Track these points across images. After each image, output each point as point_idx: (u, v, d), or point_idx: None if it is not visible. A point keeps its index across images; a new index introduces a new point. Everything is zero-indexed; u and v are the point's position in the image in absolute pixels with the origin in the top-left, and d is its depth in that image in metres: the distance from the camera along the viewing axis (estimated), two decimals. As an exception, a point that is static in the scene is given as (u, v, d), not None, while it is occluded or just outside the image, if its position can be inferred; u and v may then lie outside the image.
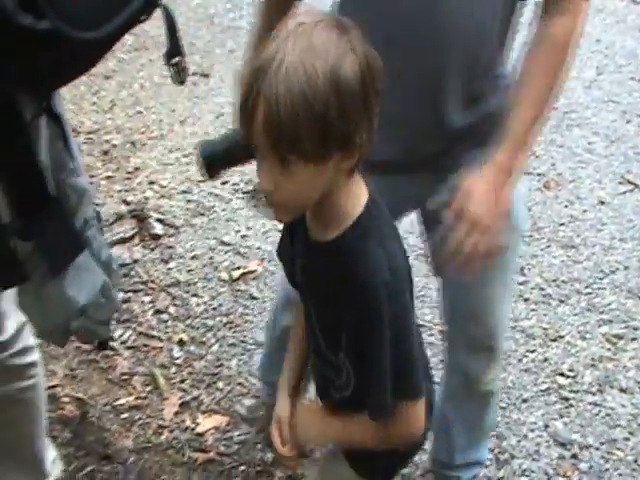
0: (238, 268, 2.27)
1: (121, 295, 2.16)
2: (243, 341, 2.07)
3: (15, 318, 1.24)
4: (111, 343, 2.07)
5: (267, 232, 2.40)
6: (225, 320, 2.13)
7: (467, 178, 1.14)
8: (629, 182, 2.74)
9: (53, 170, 0.99)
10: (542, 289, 2.22)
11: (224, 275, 2.26)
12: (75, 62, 0.90)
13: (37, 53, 0.81)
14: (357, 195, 0.95)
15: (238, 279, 2.24)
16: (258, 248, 2.34)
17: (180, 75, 0.98)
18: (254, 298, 2.19)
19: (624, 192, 2.70)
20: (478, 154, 1.17)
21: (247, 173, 2.62)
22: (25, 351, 1.29)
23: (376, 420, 1.01)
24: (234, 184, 2.55)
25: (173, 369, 2.00)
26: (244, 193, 2.52)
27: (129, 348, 2.05)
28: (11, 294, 1.24)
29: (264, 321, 2.12)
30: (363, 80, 0.84)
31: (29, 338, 1.30)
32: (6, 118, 0.88)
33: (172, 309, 2.16)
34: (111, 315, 1.14)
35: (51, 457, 1.42)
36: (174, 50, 0.97)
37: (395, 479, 1.25)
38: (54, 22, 0.78)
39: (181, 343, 2.07)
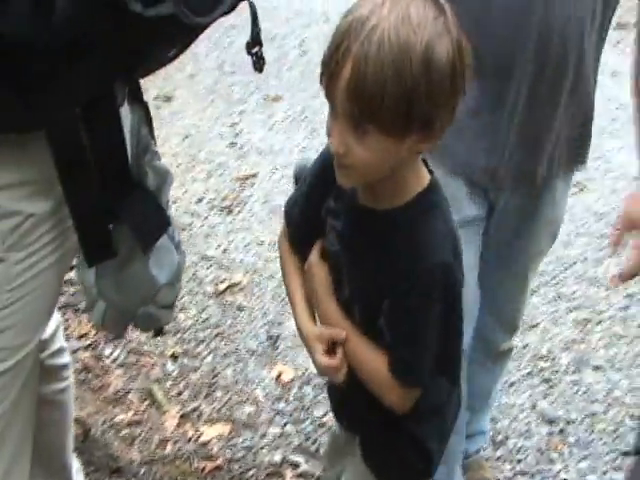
0: (223, 281, 2.33)
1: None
2: (236, 350, 2.13)
3: (55, 317, 1.26)
4: (101, 361, 2.11)
5: (248, 245, 2.47)
6: (216, 332, 2.18)
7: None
8: (575, 185, 2.99)
9: (137, 153, 1.02)
10: (514, 282, 2.39)
11: (209, 289, 2.32)
12: (170, 48, 0.95)
13: (142, 39, 0.86)
14: (421, 172, 0.96)
15: (224, 291, 2.30)
16: (241, 261, 2.41)
17: (259, 63, 1.03)
18: (242, 309, 2.25)
19: (573, 194, 2.94)
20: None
21: (222, 190, 2.70)
22: (61, 352, 1.32)
23: (394, 376, 0.97)
24: (209, 201, 2.62)
25: (169, 383, 2.03)
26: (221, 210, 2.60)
27: (120, 366, 2.07)
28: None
29: (255, 330, 2.20)
30: (454, 65, 0.83)
31: (63, 339, 1.34)
32: (104, 102, 0.91)
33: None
34: (176, 298, 1.15)
35: (75, 467, 1.44)
36: (255, 40, 1.01)
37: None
38: (179, 7, 0.82)
39: (174, 357, 2.10)
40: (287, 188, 2.77)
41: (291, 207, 1.11)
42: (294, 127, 3.10)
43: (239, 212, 2.60)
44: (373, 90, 0.80)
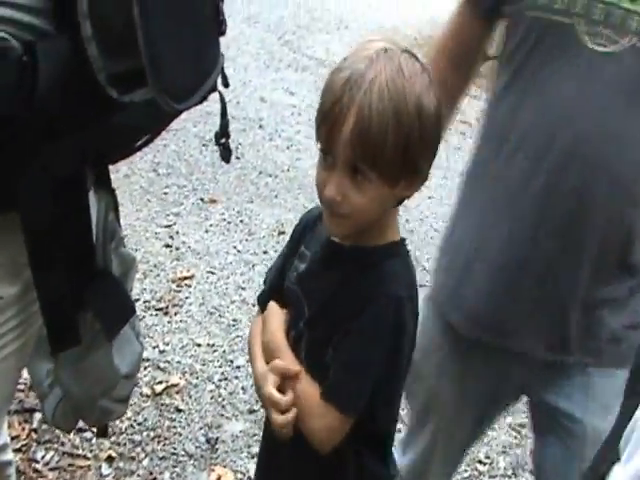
0: (160, 382, 2.49)
1: (41, 416, 2.29)
2: (174, 453, 2.27)
3: None
4: (33, 465, 2.19)
5: (185, 346, 2.65)
6: (152, 434, 2.32)
7: None
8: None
9: (103, 239, 1.09)
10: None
11: (146, 390, 2.46)
12: (142, 135, 1.05)
13: (117, 123, 0.95)
14: (396, 228, 1.09)
15: (161, 393, 2.46)
16: (178, 362, 2.58)
17: (226, 154, 1.16)
18: (180, 410, 2.41)
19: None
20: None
21: (158, 291, 2.90)
22: (5, 448, 1.37)
23: (327, 400, 1.05)
24: (145, 301, 2.81)
25: (104, 487, 2.15)
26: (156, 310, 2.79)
27: (53, 469, 2.16)
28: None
29: (193, 432, 2.35)
30: (439, 115, 1.00)
31: (6, 435, 1.38)
32: (75, 183, 0.97)
33: (95, 427, 2.32)
34: (131, 392, 1.22)
35: None
36: (223, 131, 1.14)
37: None
38: (160, 94, 0.90)
39: (109, 460, 2.21)
40: (224, 290, 3.01)
41: (269, 269, 1.24)
42: (230, 229, 3.37)
43: (176, 313, 2.80)
44: (377, 136, 0.95)
